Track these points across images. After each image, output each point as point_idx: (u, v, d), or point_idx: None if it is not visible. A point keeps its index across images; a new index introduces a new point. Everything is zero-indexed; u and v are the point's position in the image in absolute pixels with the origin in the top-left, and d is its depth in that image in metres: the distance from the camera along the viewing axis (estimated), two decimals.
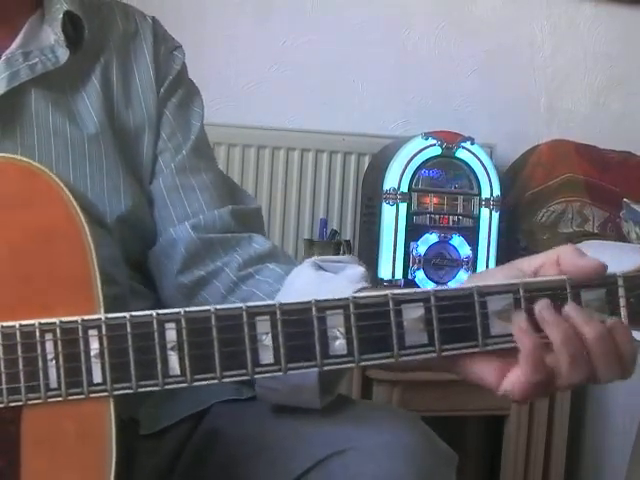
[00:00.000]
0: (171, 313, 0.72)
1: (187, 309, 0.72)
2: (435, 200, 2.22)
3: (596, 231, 2.31)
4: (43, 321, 0.72)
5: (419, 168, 2.20)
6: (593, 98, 2.67)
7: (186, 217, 1.01)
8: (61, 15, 0.98)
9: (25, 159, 0.75)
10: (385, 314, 0.72)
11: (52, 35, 0.99)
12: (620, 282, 0.74)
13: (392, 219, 2.19)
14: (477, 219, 2.23)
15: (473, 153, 2.23)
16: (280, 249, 1.05)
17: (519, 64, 2.61)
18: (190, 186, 1.03)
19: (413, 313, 0.73)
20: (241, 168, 2.34)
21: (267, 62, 2.40)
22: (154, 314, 0.72)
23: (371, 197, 2.29)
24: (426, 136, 2.21)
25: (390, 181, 2.19)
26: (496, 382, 0.75)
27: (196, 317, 0.72)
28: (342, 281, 0.86)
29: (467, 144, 2.22)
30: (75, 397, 0.72)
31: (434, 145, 2.20)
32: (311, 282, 0.89)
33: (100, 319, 0.72)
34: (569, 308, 0.73)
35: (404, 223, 2.19)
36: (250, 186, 2.35)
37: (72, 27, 1.00)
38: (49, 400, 0.72)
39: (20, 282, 0.73)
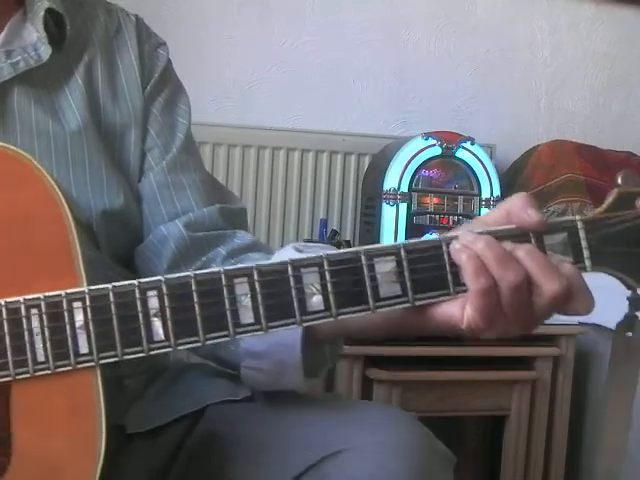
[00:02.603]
0: (152, 281, 0.74)
1: (167, 276, 0.74)
2: (435, 200, 2.22)
3: None
4: (28, 297, 0.73)
5: (419, 168, 2.20)
6: (593, 98, 2.67)
7: (176, 214, 1.02)
8: (42, 12, 0.98)
9: (2, 143, 0.76)
10: (358, 269, 0.75)
11: (34, 33, 0.98)
12: (580, 225, 0.77)
13: (392, 219, 2.19)
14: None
15: (473, 153, 2.23)
16: (262, 243, 1.06)
17: (519, 64, 2.61)
18: (181, 184, 1.04)
19: (385, 266, 0.75)
20: (241, 168, 2.34)
21: (267, 62, 2.40)
22: (136, 283, 0.74)
23: (371, 197, 2.29)
24: (426, 136, 2.21)
25: (390, 181, 2.19)
26: (461, 316, 0.76)
27: (177, 283, 0.74)
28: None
29: (467, 144, 2.22)
30: (62, 369, 0.74)
31: (434, 145, 2.20)
32: None
33: (84, 291, 0.74)
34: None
35: (404, 223, 2.19)
36: (250, 186, 2.35)
37: (55, 24, 1.00)
38: (37, 374, 0.74)
39: (1, 260, 0.74)
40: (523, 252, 0.75)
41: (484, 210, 2.23)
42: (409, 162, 2.19)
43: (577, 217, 0.77)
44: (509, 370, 2.01)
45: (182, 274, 0.75)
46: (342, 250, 0.76)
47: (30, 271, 0.75)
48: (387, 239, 2.18)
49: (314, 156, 2.41)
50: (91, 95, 1.01)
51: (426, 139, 2.20)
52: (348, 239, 2.36)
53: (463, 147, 2.22)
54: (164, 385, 1.04)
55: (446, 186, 2.24)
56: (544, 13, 2.62)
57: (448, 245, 0.76)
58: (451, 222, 2.22)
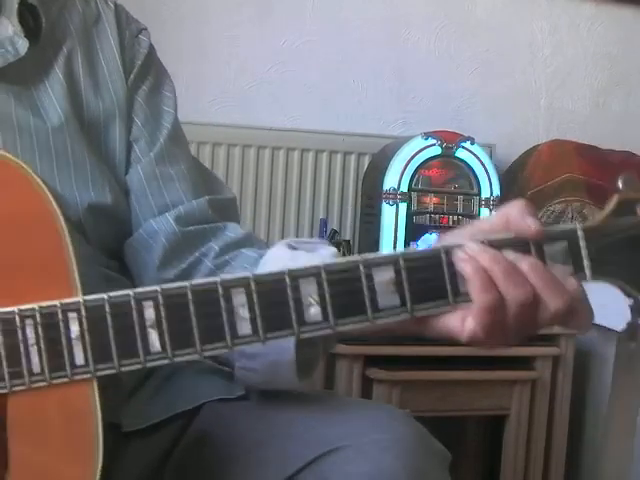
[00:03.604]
0: (148, 291, 0.73)
1: (164, 286, 0.73)
2: (435, 200, 2.22)
3: None
4: (23, 307, 0.72)
5: (419, 168, 2.20)
6: (593, 98, 2.67)
7: (166, 208, 1.01)
8: (16, 5, 0.96)
9: None
10: (356, 279, 0.73)
11: (10, 27, 0.96)
12: (581, 234, 0.75)
13: (392, 219, 2.19)
14: (477, 219, 2.22)
15: (473, 153, 2.23)
16: (254, 235, 1.05)
17: (519, 64, 2.61)
18: (169, 176, 1.02)
19: (383, 276, 0.74)
20: (241, 168, 2.34)
21: (267, 62, 2.40)
22: (131, 293, 0.73)
23: (371, 197, 2.29)
24: (426, 136, 2.21)
25: (390, 181, 2.19)
26: (461, 328, 0.75)
27: (173, 293, 0.73)
28: (316, 259, 0.87)
29: (467, 144, 2.22)
30: (59, 380, 0.72)
31: (434, 145, 2.20)
32: (286, 262, 0.90)
33: (79, 301, 0.72)
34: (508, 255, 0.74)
35: (404, 223, 2.19)
36: (250, 186, 2.35)
37: (31, 17, 0.98)
38: (33, 385, 0.72)
39: None
40: (527, 266, 0.73)
41: (484, 210, 2.23)
42: (409, 162, 2.19)
43: (578, 225, 0.76)
44: (509, 370, 2.01)
45: (178, 284, 0.73)
46: (340, 260, 0.75)
47: (23, 280, 0.73)
48: (387, 239, 2.18)
49: (314, 156, 2.41)
50: (72, 87, 0.99)
51: (426, 139, 2.20)
52: (348, 239, 2.36)
53: (463, 147, 2.22)
54: (159, 383, 1.04)
55: (446, 186, 2.24)
56: (544, 13, 2.62)
57: (447, 254, 0.74)
58: (451, 222, 2.22)
